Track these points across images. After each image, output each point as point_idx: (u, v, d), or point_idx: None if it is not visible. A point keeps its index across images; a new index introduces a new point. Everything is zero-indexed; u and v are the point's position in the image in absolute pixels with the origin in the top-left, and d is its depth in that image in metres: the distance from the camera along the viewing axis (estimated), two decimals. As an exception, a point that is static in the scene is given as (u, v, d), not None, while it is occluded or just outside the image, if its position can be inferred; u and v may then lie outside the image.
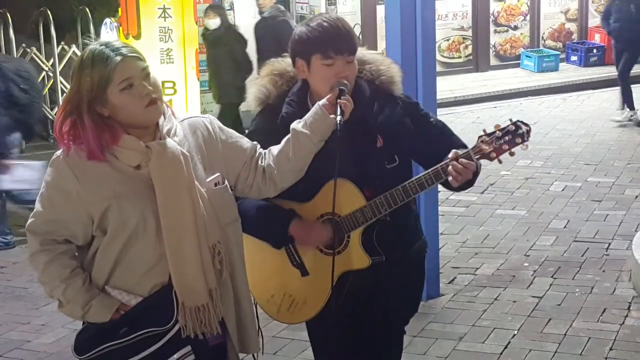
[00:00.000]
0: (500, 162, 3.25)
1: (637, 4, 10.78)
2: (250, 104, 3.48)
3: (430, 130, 3.45)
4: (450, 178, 3.20)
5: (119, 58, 2.82)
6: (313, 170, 3.23)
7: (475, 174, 3.27)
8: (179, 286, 2.92)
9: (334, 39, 3.20)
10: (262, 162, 3.19)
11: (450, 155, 3.21)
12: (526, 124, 3.23)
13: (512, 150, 3.22)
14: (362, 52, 3.42)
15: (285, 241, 3.38)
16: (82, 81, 2.82)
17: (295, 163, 3.18)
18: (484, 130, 3.24)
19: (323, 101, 3.16)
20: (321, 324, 3.50)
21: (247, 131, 3.51)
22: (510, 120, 3.23)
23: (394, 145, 3.34)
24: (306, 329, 3.73)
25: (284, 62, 3.46)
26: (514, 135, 3.20)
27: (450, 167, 3.18)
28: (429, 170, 3.24)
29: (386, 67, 3.42)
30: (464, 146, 3.35)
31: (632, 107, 10.97)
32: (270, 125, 3.34)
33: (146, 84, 2.85)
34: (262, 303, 3.52)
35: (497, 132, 3.21)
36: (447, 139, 3.45)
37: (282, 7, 9.68)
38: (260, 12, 9.68)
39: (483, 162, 3.26)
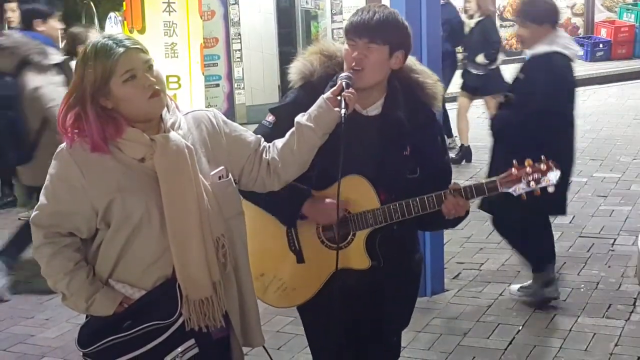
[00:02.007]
0: (523, 198, 3.24)
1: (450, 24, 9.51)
2: (292, 77, 3.45)
3: (440, 161, 3.45)
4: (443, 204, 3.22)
5: (122, 50, 2.82)
6: (331, 163, 3.17)
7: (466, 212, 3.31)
8: (183, 279, 2.92)
9: (356, 23, 3.23)
10: (266, 156, 3.18)
11: (451, 186, 3.23)
12: (558, 168, 3.23)
13: (537, 189, 3.22)
14: (413, 60, 3.43)
15: (295, 221, 3.36)
16: (85, 73, 2.83)
17: (299, 156, 3.17)
18: (515, 162, 3.24)
19: (327, 94, 3.14)
20: (318, 323, 3.50)
21: (280, 103, 3.49)
22: (543, 159, 3.24)
23: (420, 157, 3.33)
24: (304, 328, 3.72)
25: (334, 46, 3.46)
26: (543, 175, 3.21)
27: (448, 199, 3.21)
28: (451, 186, 3.25)
29: (433, 82, 3.42)
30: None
31: (450, 134, 10.00)
32: (308, 102, 3.25)
33: (149, 75, 2.85)
34: None
35: (528, 168, 3.22)
36: (446, 178, 3.43)
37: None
38: None
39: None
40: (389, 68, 3.28)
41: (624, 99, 12.09)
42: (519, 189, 3.22)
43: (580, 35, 14.98)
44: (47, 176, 2.94)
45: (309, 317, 3.58)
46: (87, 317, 3.02)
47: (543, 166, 3.22)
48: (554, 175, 3.22)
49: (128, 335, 2.91)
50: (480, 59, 9.13)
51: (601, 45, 14.46)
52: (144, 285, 2.93)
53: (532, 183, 3.21)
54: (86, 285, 2.92)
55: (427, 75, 3.44)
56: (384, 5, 3.35)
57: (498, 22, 14.35)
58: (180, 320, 2.93)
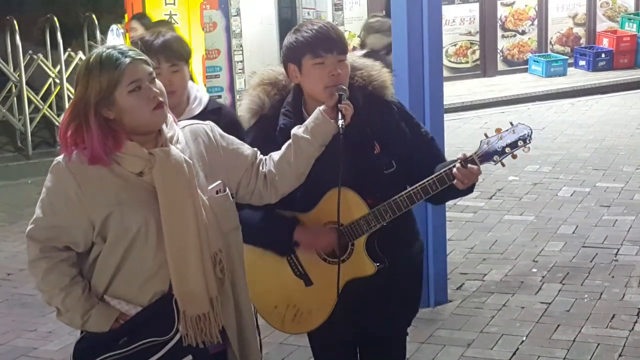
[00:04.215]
0: (503, 165, 3.27)
1: None
2: (243, 116, 3.46)
3: (418, 140, 3.45)
4: (455, 181, 3.21)
5: (128, 60, 2.81)
6: (312, 178, 3.22)
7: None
8: (180, 295, 2.90)
9: (322, 39, 3.23)
10: (263, 168, 3.18)
11: (459, 156, 3.22)
12: (527, 127, 3.24)
13: (515, 153, 3.23)
14: (352, 58, 3.43)
15: (291, 248, 3.36)
16: (89, 84, 2.81)
17: (296, 168, 3.17)
18: (486, 135, 3.25)
19: (323, 107, 3.16)
20: (324, 333, 3.48)
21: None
22: (511, 123, 3.26)
23: (391, 151, 3.35)
24: (307, 336, 3.71)
25: (274, 71, 3.46)
26: (515, 137, 3.22)
27: (455, 171, 3.19)
28: (433, 175, 3.24)
29: (377, 72, 3.42)
30: (446, 162, 3.36)
31: None
32: (267, 136, 3.32)
33: (153, 87, 2.85)
34: (265, 315, 3.49)
35: (499, 135, 3.22)
36: (433, 151, 3.46)
37: None
38: None
39: (488, 166, 3.26)
40: None
41: (626, 108, 12.07)
42: (497, 158, 3.23)
43: (582, 45, 14.96)
44: (43, 189, 2.91)
45: (318, 335, 3.57)
46: (82, 332, 3.00)
47: (513, 130, 3.23)
48: (525, 135, 3.22)
49: (124, 352, 2.88)
50: None
51: (603, 55, 14.42)
52: (140, 301, 2.91)
53: (507, 149, 3.22)
54: (82, 301, 2.90)
55: (370, 68, 3.43)
56: (320, 19, 3.40)
57: (499, 33, 14.38)
58: (177, 337, 2.91)
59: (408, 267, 3.52)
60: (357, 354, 3.68)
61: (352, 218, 3.28)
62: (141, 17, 8.61)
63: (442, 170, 3.23)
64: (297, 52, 3.26)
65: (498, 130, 3.24)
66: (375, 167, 3.32)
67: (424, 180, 3.24)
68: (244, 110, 3.44)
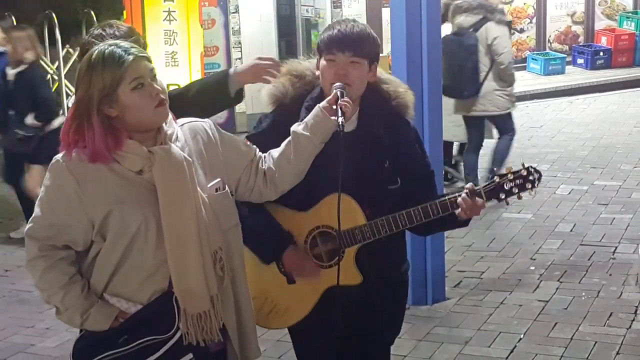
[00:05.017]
0: (507, 203, 3.34)
1: None
2: (264, 101, 3.44)
3: (423, 167, 3.47)
4: (458, 211, 3.24)
5: (131, 57, 2.80)
6: (311, 176, 3.21)
7: None
8: (180, 293, 2.89)
9: (338, 38, 3.23)
10: (262, 165, 3.18)
11: (467, 186, 3.25)
12: (538, 171, 3.30)
13: (521, 194, 3.29)
14: (379, 70, 3.41)
15: (275, 261, 3.37)
16: (92, 81, 2.79)
17: (296, 165, 3.17)
18: (496, 171, 3.29)
19: (323, 103, 3.16)
20: (309, 337, 3.51)
21: (256, 129, 3.46)
22: (523, 165, 3.31)
23: (400, 168, 3.34)
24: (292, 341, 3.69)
25: (302, 65, 3.46)
26: (525, 180, 3.27)
27: (461, 200, 3.22)
28: (437, 200, 3.25)
29: (404, 90, 3.42)
30: (437, 197, 3.34)
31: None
32: (284, 125, 3.27)
33: (154, 84, 2.84)
34: None
35: (510, 174, 3.27)
36: (431, 183, 3.49)
37: None
38: None
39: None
40: (366, 82, 3.31)
41: (624, 106, 12.09)
42: (503, 196, 3.27)
43: (581, 43, 14.98)
44: (42, 187, 2.90)
45: (300, 336, 3.57)
46: (81, 330, 2.98)
47: (524, 172, 3.28)
48: (535, 179, 3.28)
49: (124, 350, 2.87)
50: (30, 120, 7.52)
51: (601, 54, 14.45)
52: (140, 299, 2.90)
53: (515, 189, 3.27)
54: (81, 299, 2.88)
55: (397, 85, 3.44)
56: (352, 18, 3.40)
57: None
58: (177, 335, 2.90)
59: (394, 286, 3.52)
60: None
61: (347, 225, 3.25)
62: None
63: (446, 197, 3.25)
64: (320, 47, 3.30)
65: (509, 170, 3.29)
66: (382, 180, 3.32)
67: (427, 203, 3.25)
68: (265, 94, 3.43)
